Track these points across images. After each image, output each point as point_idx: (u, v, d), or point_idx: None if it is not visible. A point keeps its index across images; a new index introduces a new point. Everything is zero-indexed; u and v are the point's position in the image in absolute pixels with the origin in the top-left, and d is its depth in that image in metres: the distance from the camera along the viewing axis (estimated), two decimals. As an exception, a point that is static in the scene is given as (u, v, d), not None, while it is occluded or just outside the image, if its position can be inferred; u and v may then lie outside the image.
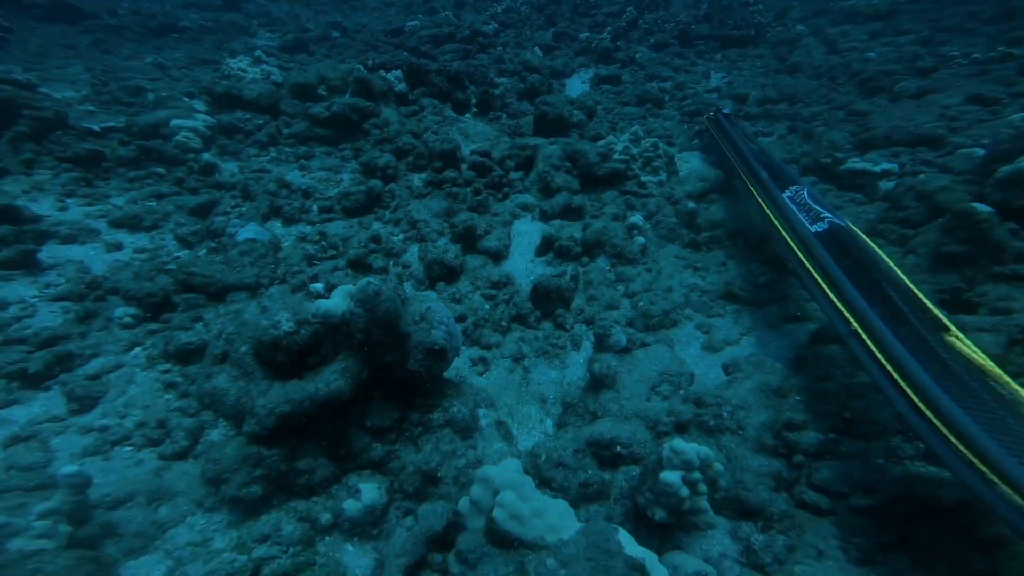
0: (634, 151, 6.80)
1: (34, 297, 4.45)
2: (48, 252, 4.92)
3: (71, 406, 3.80)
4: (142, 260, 5.11)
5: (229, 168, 7.03)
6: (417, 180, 6.83)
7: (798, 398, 3.49)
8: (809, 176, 6.24)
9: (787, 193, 4.55)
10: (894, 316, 2.98)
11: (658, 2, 17.87)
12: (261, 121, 8.02)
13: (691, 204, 5.82)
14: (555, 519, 2.30)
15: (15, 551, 2.54)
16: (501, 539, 2.28)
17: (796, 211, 4.23)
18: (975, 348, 2.67)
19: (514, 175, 6.89)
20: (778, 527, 2.89)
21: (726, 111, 7.07)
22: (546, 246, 5.45)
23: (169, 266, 4.88)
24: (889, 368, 2.76)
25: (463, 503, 2.60)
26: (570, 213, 5.95)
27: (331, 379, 3.07)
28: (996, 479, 2.05)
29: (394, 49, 12.95)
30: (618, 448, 3.24)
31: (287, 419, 2.99)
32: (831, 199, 5.50)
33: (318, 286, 4.28)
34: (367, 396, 3.36)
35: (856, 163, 5.75)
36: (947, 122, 6.46)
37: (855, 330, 3.10)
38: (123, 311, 4.32)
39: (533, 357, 4.29)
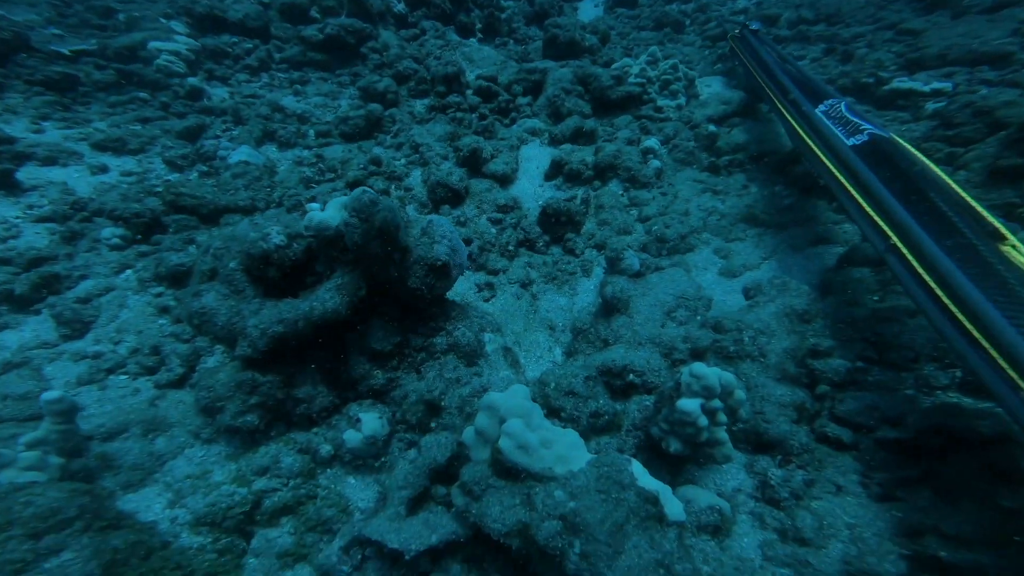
0: (651, 73, 6.31)
1: (17, 218, 4.24)
2: (27, 173, 4.66)
3: (62, 330, 3.67)
4: (129, 183, 4.85)
5: (219, 93, 6.62)
6: (419, 106, 6.43)
7: (824, 323, 3.28)
8: (847, 97, 5.77)
9: (821, 107, 4.18)
10: (940, 226, 2.70)
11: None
12: (250, 45, 7.49)
13: (711, 127, 5.42)
14: (564, 449, 2.13)
15: (6, 483, 2.41)
16: (507, 470, 2.11)
17: (830, 125, 3.90)
18: (1036, 259, 2.41)
19: (522, 100, 6.45)
20: (797, 461, 2.75)
21: (754, 26, 6.48)
22: (555, 170, 5.12)
23: (157, 188, 4.62)
24: (931, 283, 2.51)
25: (467, 433, 2.41)
26: (581, 137, 5.57)
27: (327, 297, 2.86)
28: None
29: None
30: (631, 376, 3.05)
31: (281, 341, 2.81)
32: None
33: (315, 206, 4.02)
34: (366, 319, 3.18)
35: (903, 82, 5.25)
36: (1021, 38, 5.84)
37: (893, 244, 2.83)
38: (111, 231, 4.11)
39: (541, 283, 4.08)
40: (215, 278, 3.06)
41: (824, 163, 3.66)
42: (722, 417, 2.54)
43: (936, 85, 5.12)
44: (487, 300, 3.98)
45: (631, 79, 6.25)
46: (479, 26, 9.20)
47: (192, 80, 6.41)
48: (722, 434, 2.60)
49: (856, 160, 3.40)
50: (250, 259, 2.87)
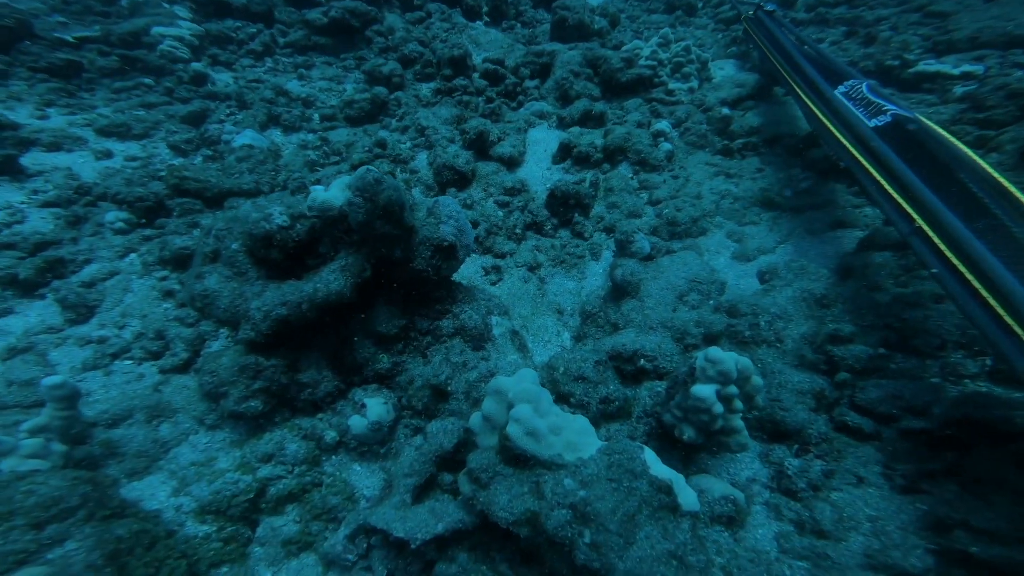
0: (662, 56, 6.15)
1: (22, 203, 4.20)
2: (32, 159, 4.62)
3: (67, 315, 3.64)
4: (134, 168, 4.79)
5: (223, 79, 6.54)
6: (425, 89, 6.30)
7: (844, 309, 3.16)
8: (869, 79, 5.58)
9: (841, 88, 4.05)
10: (970, 207, 2.58)
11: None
12: (254, 30, 7.39)
13: (725, 110, 5.27)
14: (574, 436, 2.05)
15: (8, 472, 2.36)
16: (515, 457, 2.04)
17: (850, 106, 3.77)
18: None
19: (529, 83, 6.31)
20: (815, 451, 2.65)
21: (769, 7, 6.28)
22: (564, 153, 5.00)
23: (162, 173, 4.56)
24: (961, 267, 2.39)
25: (474, 419, 2.35)
26: (590, 120, 5.43)
27: (331, 278, 2.79)
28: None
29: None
30: (642, 361, 2.96)
31: (284, 324, 2.75)
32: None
33: (319, 188, 3.95)
34: (371, 302, 3.11)
35: (929, 65, 5.06)
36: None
37: (919, 227, 2.71)
38: (115, 215, 4.06)
39: (549, 266, 3.99)
40: (217, 260, 2.99)
41: (844, 145, 3.52)
42: (738, 404, 2.45)
43: (967, 67, 4.92)
44: (494, 283, 3.90)
45: (642, 61, 6.09)
46: (486, 9, 9.01)
47: (196, 65, 6.32)
48: (737, 422, 2.50)
49: (878, 141, 3.27)
50: (253, 240, 2.81)
